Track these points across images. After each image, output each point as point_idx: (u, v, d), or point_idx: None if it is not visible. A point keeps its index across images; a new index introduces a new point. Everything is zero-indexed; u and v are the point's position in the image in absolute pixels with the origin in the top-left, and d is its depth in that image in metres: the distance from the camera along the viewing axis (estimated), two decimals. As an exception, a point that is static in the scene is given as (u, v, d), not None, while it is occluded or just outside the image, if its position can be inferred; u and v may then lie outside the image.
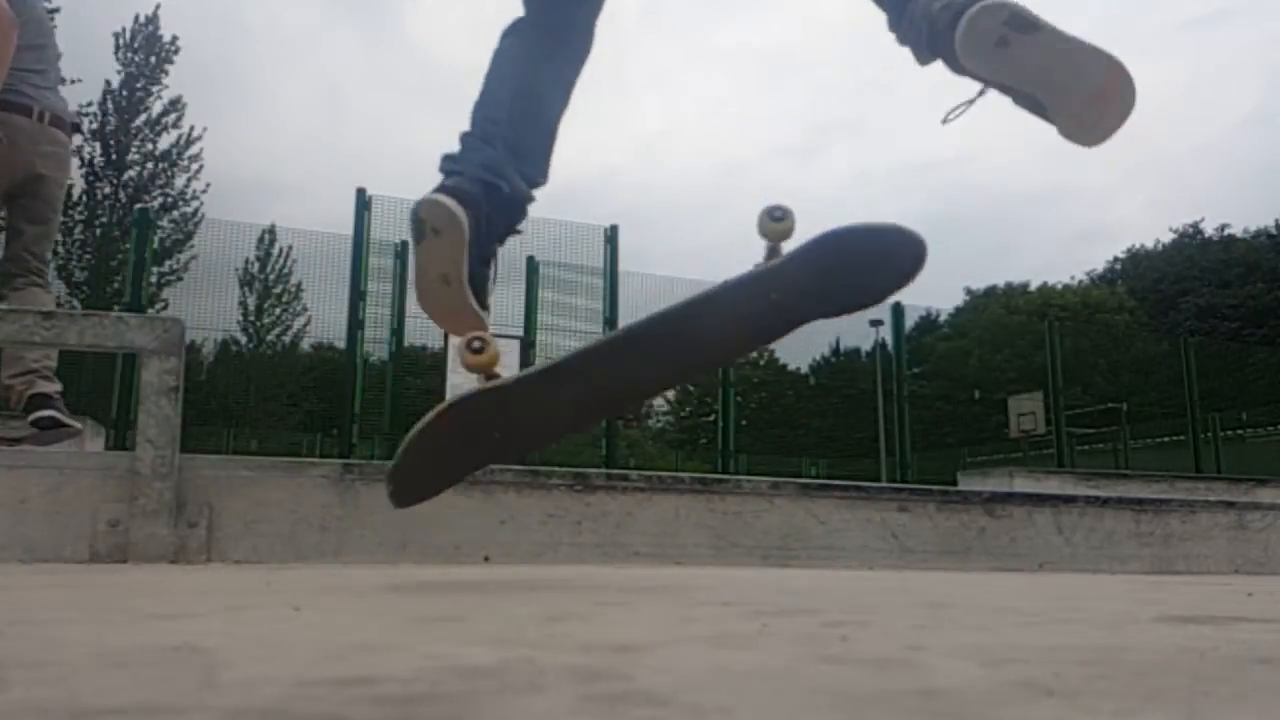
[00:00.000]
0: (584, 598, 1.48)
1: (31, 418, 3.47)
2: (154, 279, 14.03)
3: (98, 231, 25.33)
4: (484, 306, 1.77)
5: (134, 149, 27.78)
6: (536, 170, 1.88)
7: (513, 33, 1.96)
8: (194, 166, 28.31)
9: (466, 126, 1.85)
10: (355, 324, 10.24)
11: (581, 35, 1.98)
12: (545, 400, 1.66)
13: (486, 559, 2.54)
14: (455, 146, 1.83)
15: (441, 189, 1.73)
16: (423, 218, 1.70)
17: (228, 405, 14.25)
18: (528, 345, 10.77)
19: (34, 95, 3.67)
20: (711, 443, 13.16)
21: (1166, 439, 16.87)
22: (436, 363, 10.78)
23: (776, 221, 1.61)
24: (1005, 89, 1.62)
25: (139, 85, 28.18)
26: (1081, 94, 1.56)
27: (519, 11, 1.95)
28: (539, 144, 1.89)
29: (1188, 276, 46.18)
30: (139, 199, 26.27)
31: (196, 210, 26.90)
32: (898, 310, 13.55)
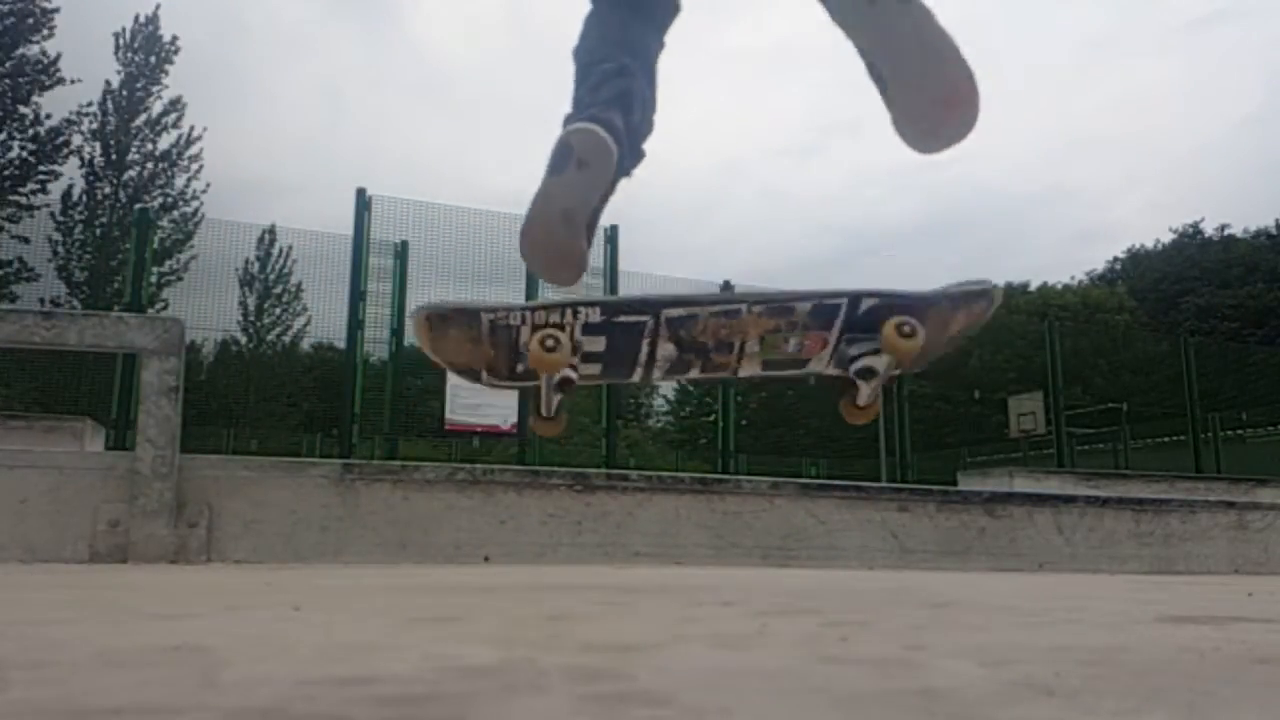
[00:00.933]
0: (584, 598, 1.48)
1: None
2: (154, 279, 14.01)
3: (98, 231, 25.32)
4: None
5: (134, 149, 27.77)
6: (644, 120, 1.83)
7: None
8: (194, 166, 28.31)
9: (574, 85, 1.79)
10: (355, 324, 10.23)
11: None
12: None
13: (486, 559, 2.54)
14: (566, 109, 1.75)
15: (590, 118, 1.64)
16: (572, 145, 1.62)
17: (228, 405, 14.24)
18: (528, 345, 10.75)
19: None
20: (711, 443, 13.15)
21: (1166, 439, 16.86)
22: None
23: None
24: (862, 52, 1.61)
25: (139, 85, 28.17)
26: (932, 92, 1.55)
27: None
28: (647, 93, 1.84)
29: (1188, 276, 46.16)
30: (139, 199, 26.26)
31: (196, 210, 26.90)
32: (898, 310, 13.50)
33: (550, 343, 1.59)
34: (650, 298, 1.83)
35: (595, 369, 1.81)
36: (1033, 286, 52.74)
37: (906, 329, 1.67)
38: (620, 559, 2.64)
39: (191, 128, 28.69)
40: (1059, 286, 51.85)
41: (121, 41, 28.41)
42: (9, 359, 10.59)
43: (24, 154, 25.28)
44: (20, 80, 25.05)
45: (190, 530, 2.29)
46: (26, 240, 16.02)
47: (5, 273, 15.74)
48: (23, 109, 25.18)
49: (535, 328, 1.69)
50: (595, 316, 1.76)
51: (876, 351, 1.71)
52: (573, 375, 1.67)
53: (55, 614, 1.16)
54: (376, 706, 0.57)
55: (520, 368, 1.76)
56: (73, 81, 25.67)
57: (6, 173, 24.68)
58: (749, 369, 1.86)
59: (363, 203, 10.48)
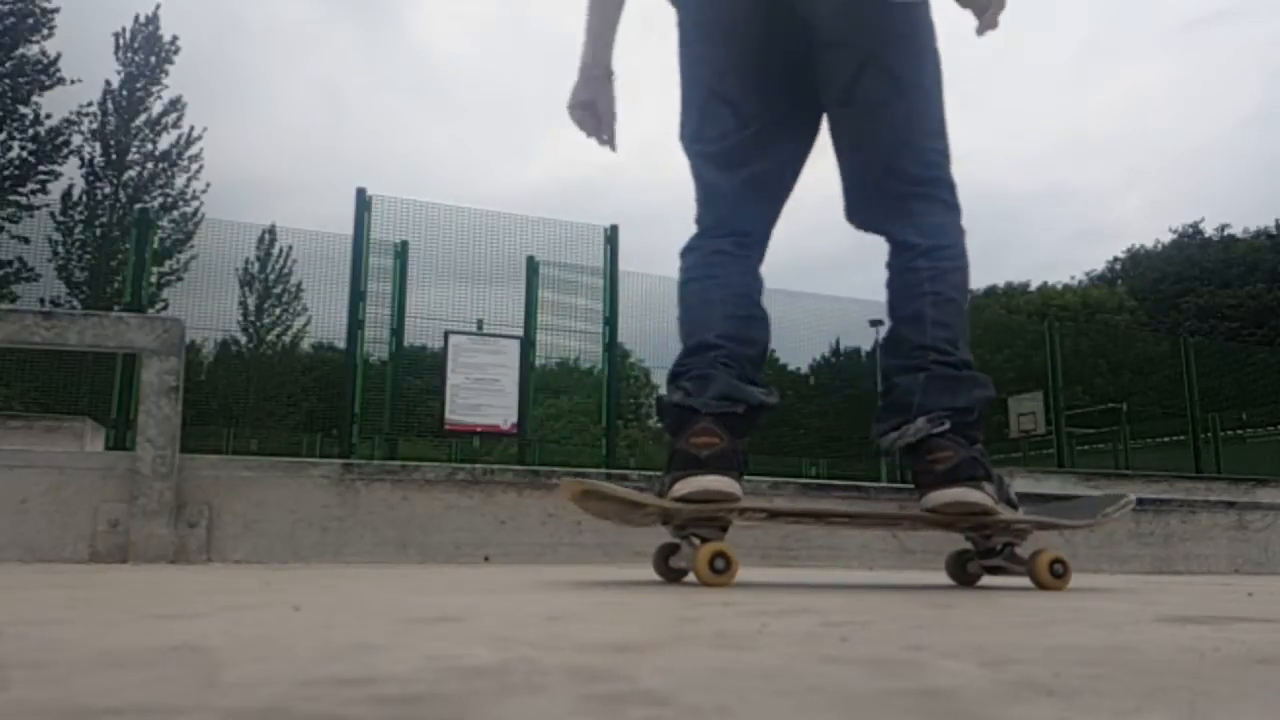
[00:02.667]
0: (584, 598, 1.48)
1: None
2: (154, 279, 14.03)
3: (98, 231, 25.33)
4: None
5: (134, 149, 27.78)
6: (758, 371, 1.92)
7: (691, 250, 2.03)
8: (194, 166, 28.33)
9: (681, 359, 1.90)
10: (355, 324, 10.23)
11: (767, 234, 2.06)
12: None
13: (486, 559, 2.54)
14: (678, 366, 1.88)
15: (704, 465, 1.72)
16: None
17: (228, 405, 14.24)
18: (527, 345, 10.76)
19: None
20: (711, 443, 13.13)
21: (1166, 439, 16.86)
22: (436, 363, 10.78)
23: None
24: None
25: (139, 85, 28.18)
26: None
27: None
28: (757, 352, 1.93)
29: (1188, 276, 46.17)
30: (139, 199, 26.27)
31: (196, 210, 26.93)
32: (898, 310, 13.51)
33: (720, 564, 1.63)
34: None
35: None
36: (1033, 286, 52.80)
37: (1058, 569, 1.80)
38: (621, 559, 2.64)
39: (191, 128, 28.74)
40: (1059, 286, 51.88)
41: (121, 41, 28.43)
42: (9, 359, 10.58)
43: (24, 154, 25.29)
44: (20, 80, 25.05)
45: (190, 530, 2.29)
46: (26, 240, 16.02)
47: (5, 273, 15.74)
48: (23, 109, 25.19)
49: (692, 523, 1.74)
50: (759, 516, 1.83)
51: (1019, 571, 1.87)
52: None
53: (55, 614, 1.16)
54: (376, 706, 0.57)
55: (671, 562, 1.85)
56: (73, 81, 25.69)
57: (6, 173, 24.69)
58: None
59: (363, 203, 10.48)
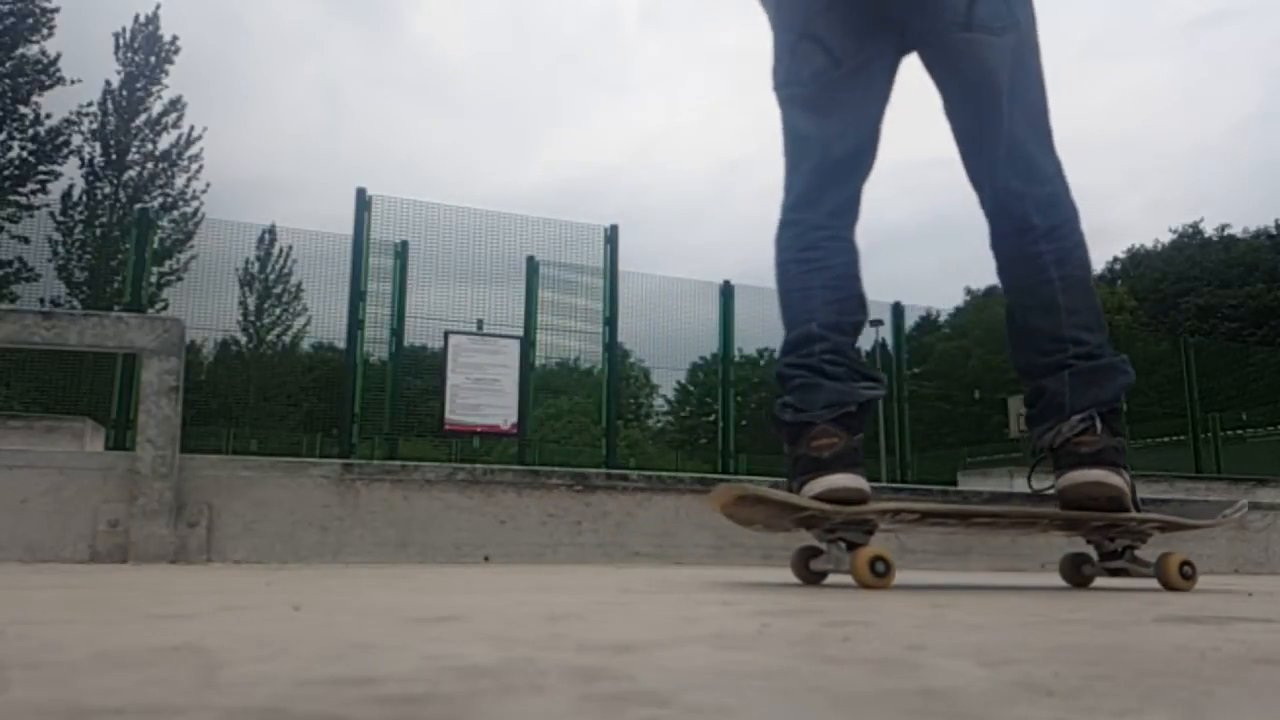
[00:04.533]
0: (584, 598, 1.48)
1: None
2: (154, 279, 14.04)
3: (98, 231, 25.33)
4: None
5: (134, 149, 27.79)
6: (859, 354, 1.98)
7: (789, 225, 2.04)
8: (194, 166, 28.34)
9: (786, 352, 1.93)
10: (355, 324, 10.24)
11: (858, 195, 2.07)
12: None
13: (486, 559, 2.54)
14: (786, 367, 1.91)
15: (831, 480, 1.75)
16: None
17: (228, 405, 14.23)
18: (527, 345, 10.76)
19: None
20: (711, 443, 13.15)
21: (1166, 439, 16.85)
22: (436, 363, 10.78)
23: None
24: None
25: (139, 85, 28.19)
26: None
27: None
28: (857, 333, 1.99)
29: (1188, 276, 46.15)
30: (139, 199, 26.27)
31: (196, 210, 26.93)
32: (898, 310, 13.54)
33: (880, 567, 1.63)
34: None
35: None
36: (1033, 286, 52.61)
37: (1188, 570, 1.84)
38: (620, 559, 2.64)
39: (191, 128, 28.75)
40: (1059, 286, 51.70)
41: (121, 41, 28.44)
42: (9, 359, 10.58)
43: (24, 154, 25.29)
44: (20, 80, 25.05)
45: (190, 530, 2.29)
46: (26, 240, 16.01)
47: (5, 273, 15.74)
48: (23, 109, 25.18)
49: (846, 525, 1.75)
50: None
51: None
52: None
53: (55, 614, 1.16)
54: (376, 706, 0.57)
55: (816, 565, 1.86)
56: (73, 81, 25.69)
57: (6, 173, 24.69)
58: None
59: (363, 203, 10.48)
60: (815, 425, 1.80)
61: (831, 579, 1.83)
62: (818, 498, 1.72)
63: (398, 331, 10.60)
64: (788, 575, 1.90)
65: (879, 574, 1.61)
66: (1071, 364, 1.89)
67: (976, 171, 2.05)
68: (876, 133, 2.06)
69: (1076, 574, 2.02)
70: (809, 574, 1.84)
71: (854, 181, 2.05)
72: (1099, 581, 2.05)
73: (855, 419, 1.83)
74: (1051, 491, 1.90)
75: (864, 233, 2.06)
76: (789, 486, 1.81)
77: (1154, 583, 1.89)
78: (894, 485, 3.79)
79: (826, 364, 1.86)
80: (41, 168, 25.30)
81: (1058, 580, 2.09)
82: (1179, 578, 1.81)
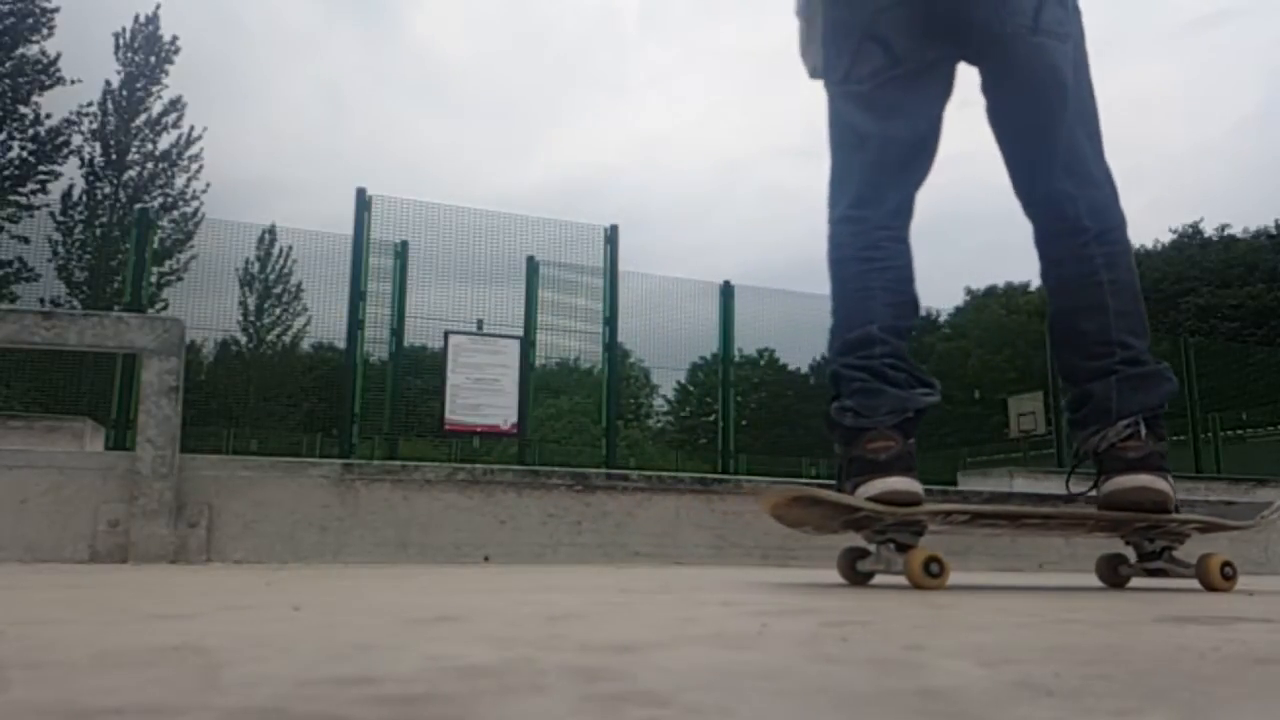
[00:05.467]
0: (584, 598, 1.48)
1: None
2: (154, 279, 14.02)
3: (98, 231, 25.32)
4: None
5: (134, 149, 27.78)
6: (911, 334, 1.98)
7: (850, 222, 2.03)
8: (194, 166, 28.33)
9: (844, 352, 1.93)
10: (355, 324, 10.24)
11: (913, 197, 2.08)
12: None
13: (486, 559, 2.54)
14: (843, 366, 1.91)
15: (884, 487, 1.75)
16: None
17: (228, 405, 14.23)
18: (527, 345, 10.76)
19: None
20: (711, 443, 13.15)
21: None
22: (436, 363, 10.78)
23: None
24: None
25: (139, 85, 28.18)
26: None
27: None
28: (914, 322, 1.99)
29: (1188, 276, 46.11)
30: (139, 199, 26.27)
31: (196, 210, 26.92)
32: (898, 310, 13.50)
33: (935, 568, 1.64)
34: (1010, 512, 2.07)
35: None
36: (1033, 286, 52.68)
37: (1229, 571, 1.86)
38: (620, 559, 2.64)
39: (191, 128, 28.74)
40: (1059, 286, 51.69)
41: (121, 41, 28.43)
42: (9, 359, 10.58)
43: (24, 154, 25.29)
44: (20, 80, 25.05)
45: (190, 530, 2.29)
46: (26, 240, 16.00)
47: (5, 273, 15.74)
48: (23, 109, 25.18)
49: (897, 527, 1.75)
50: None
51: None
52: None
53: (55, 614, 1.16)
54: (376, 706, 0.57)
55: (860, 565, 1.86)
56: (73, 81, 25.68)
57: (6, 173, 24.68)
58: None
59: (363, 203, 10.48)
60: (873, 429, 1.80)
61: (880, 579, 1.83)
62: (874, 499, 1.72)
63: (398, 331, 10.60)
64: (787, 575, 1.90)
65: (933, 575, 1.61)
66: (1118, 369, 1.90)
67: (1029, 172, 2.06)
68: (936, 135, 2.07)
69: (1113, 575, 2.02)
70: (855, 575, 1.84)
71: (913, 182, 2.06)
72: (1098, 582, 2.06)
73: (911, 424, 1.85)
74: (1093, 494, 1.91)
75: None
76: (840, 487, 1.81)
77: (1163, 582, 1.91)
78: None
79: (888, 368, 1.87)
80: (41, 168, 25.30)
81: (1058, 580, 2.10)
82: (1220, 578, 1.82)
